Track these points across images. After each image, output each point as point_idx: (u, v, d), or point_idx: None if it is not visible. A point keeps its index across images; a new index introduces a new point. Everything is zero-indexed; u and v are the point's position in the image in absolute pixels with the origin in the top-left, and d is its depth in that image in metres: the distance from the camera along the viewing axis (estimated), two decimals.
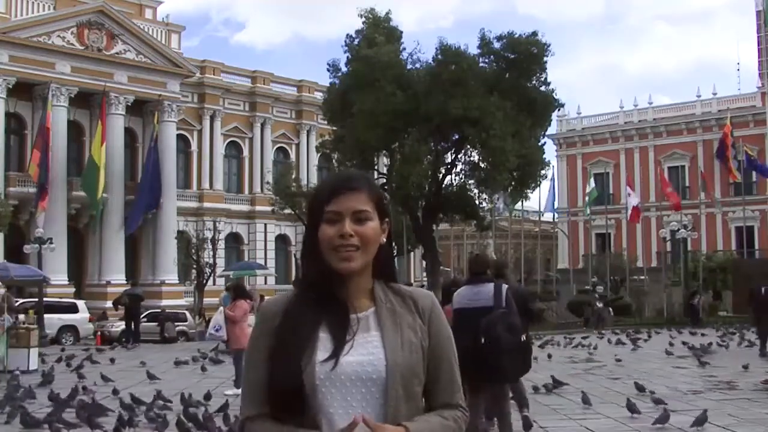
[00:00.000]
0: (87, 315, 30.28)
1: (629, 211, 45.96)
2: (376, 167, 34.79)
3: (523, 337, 7.33)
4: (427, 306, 2.02)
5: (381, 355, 1.89)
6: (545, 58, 31.48)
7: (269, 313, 1.99)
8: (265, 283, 43.93)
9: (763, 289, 17.09)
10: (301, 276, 2.04)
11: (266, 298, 14.64)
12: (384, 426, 1.83)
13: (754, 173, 49.81)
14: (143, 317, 29.52)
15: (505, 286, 7.36)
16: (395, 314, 1.96)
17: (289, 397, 1.86)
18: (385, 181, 32.21)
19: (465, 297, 7.37)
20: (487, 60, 31.96)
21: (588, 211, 48.72)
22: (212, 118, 48.79)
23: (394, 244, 2.15)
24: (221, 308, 14.69)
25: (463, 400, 2.02)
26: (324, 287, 1.95)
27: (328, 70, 32.86)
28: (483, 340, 6.80)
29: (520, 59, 31.11)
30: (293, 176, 43.72)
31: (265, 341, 1.95)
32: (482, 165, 31.93)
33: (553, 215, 55.04)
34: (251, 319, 15.08)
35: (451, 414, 1.97)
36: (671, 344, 21.59)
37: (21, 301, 25.91)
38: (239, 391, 12.38)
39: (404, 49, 32.46)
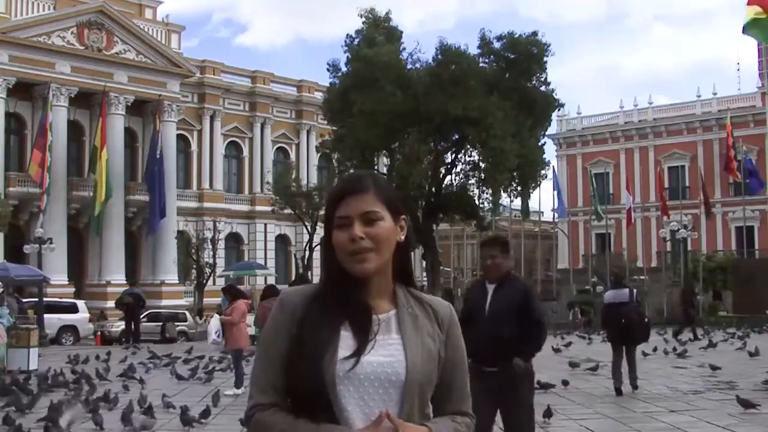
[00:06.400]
0: (87, 315, 30.29)
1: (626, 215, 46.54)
2: (376, 167, 34.79)
3: (646, 319, 12.83)
4: (446, 316, 2.02)
5: (401, 358, 1.89)
6: (545, 58, 31.52)
7: (290, 304, 1.97)
8: (265, 283, 43.86)
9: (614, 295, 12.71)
10: (320, 280, 2.02)
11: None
12: (407, 424, 1.84)
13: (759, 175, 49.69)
14: (143, 317, 29.52)
15: (635, 290, 13.07)
16: (416, 320, 1.96)
17: (309, 392, 1.86)
18: None
19: (612, 296, 12.68)
20: (487, 60, 31.98)
21: (601, 215, 48.40)
22: (212, 118, 48.80)
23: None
24: (216, 315, 14.67)
25: (471, 408, 2.05)
26: (345, 289, 1.94)
27: (328, 70, 32.91)
28: (623, 321, 12.01)
29: (520, 59, 31.14)
30: (293, 176, 43.75)
31: (283, 332, 1.94)
32: (482, 165, 31.95)
33: (554, 216, 55.08)
34: (249, 318, 15.09)
35: (462, 420, 1.99)
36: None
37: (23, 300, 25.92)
38: (239, 391, 12.42)
39: (404, 49, 32.51)
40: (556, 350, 20.84)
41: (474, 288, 6.57)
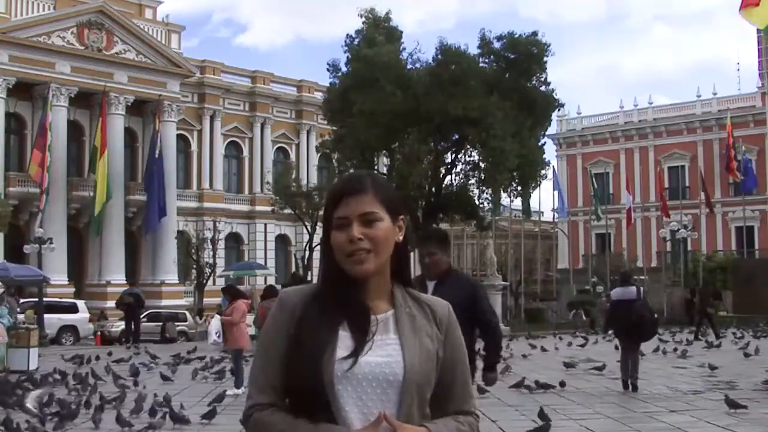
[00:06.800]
0: (87, 315, 30.27)
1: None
2: (376, 167, 34.78)
3: (655, 315, 13.36)
4: (444, 316, 2.02)
5: (399, 358, 1.89)
6: (545, 58, 31.51)
7: (289, 304, 1.97)
8: (265, 283, 43.87)
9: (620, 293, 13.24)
10: (319, 280, 2.02)
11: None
12: (406, 425, 1.84)
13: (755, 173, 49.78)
14: (143, 317, 29.52)
15: (642, 288, 13.42)
16: (414, 320, 1.96)
17: (308, 392, 1.87)
18: None
19: (619, 293, 13.10)
20: (487, 60, 31.97)
21: (600, 216, 48.60)
22: (212, 118, 48.79)
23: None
24: (217, 315, 14.69)
25: (476, 407, 2.04)
26: (343, 289, 1.94)
27: (328, 70, 32.91)
28: (634, 318, 12.36)
29: (520, 59, 31.13)
30: (293, 176, 43.75)
31: (282, 332, 1.94)
32: (482, 165, 31.95)
33: (554, 216, 55.13)
34: (249, 318, 15.09)
35: (465, 419, 1.98)
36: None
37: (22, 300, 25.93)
38: (239, 391, 12.41)
39: (404, 49, 32.51)
40: (544, 350, 20.85)
41: (414, 287, 5.91)
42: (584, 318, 36.38)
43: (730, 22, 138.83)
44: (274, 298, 13.05)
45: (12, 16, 39.59)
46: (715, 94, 55.08)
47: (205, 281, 40.28)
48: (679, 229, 40.06)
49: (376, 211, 1.93)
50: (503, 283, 33.03)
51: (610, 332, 14.16)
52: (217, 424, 9.72)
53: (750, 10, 11.79)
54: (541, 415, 9.24)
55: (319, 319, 1.91)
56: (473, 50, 31.43)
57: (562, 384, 12.89)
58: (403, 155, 31.44)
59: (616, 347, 18.57)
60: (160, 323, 30.96)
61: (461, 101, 28.69)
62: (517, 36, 31.33)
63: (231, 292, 14.31)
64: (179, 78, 45.03)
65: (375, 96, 29.41)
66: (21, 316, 22.15)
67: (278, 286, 23.19)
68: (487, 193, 33.56)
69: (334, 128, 33.78)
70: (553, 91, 32.12)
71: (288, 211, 40.58)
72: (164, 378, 14.36)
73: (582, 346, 22.49)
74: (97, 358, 18.40)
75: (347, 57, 31.94)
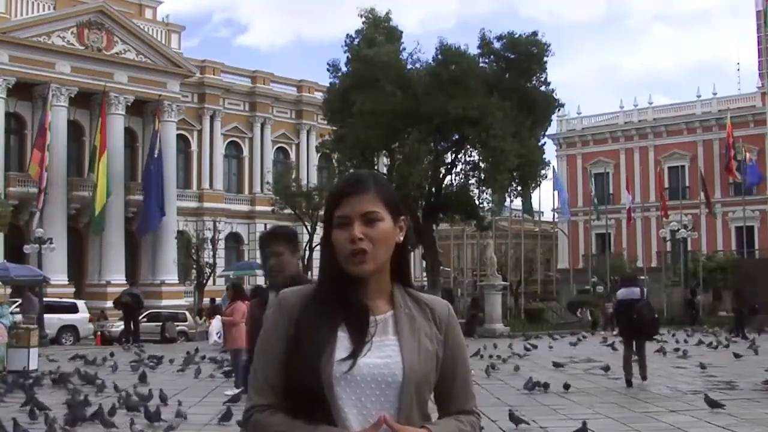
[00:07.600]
0: (87, 315, 30.26)
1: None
2: (376, 167, 34.77)
3: (656, 315, 14.01)
4: (444, 315, 2.01)
5: (398, 359, 1.88)
6: (545, 58, 31.54)
7: (288, 304, 1.96)
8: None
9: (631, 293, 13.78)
10: (318, 279, 2.01)
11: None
12: (406, 428, 1.83)
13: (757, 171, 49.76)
14: (143, 317, 29.50)
15: (645, 289, 14.15)
16: (414, 321, 1.95)
17: (307, 393, 1.86)
18: None
19: (624, 293, 13.78)
20: (487, 60, 32.00)
21: (596, 216, 48.89)
22: (212, 118, 48.79)
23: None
24: (218, 316, 14.68)
25: (477, 406, 2.04)
26: (342, 289, 1.93)
27: (328, 70, 32.93)
28: (635, 316, 13.02)
29: (520, 59, 31.15)
30: (293, 176, 43.74)
31: (281, 332, 1.93)
32: (482, 165, 31.96)
33: (554, 216, 55.13)
34: None
35: (467, 419, 1.98)
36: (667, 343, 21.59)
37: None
38: (239, 391, 12.39)
39: (404, 49, 32.54)
40: (529, 348, 20.70)
41: (257, 303, 5.29)
42: (589, 318, 36.42)
43: (730, 22, 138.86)
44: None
45: (12, 16, 39.58)
46: (715, 94, 55.04)
47: (205, 281, 40.27)
48: (679, 229, 40.05)
49: (378, 210, 1.92)
50: (503, 283, 33.01)
51: (614, 331, 14.95)
52: (216, 423, 9.71)
53: None
54: (512, 417, 9.16)
55: (318, 320, 1.91)
56: (473, 50, 31.49)
57: (567, 386, 12.73)
58: (403, 155, 31.44)
59: (614, 348, 18.62)
60: (160, 323, 30.92)
61: (461, 101, 28.70)
62: (517, 36, 31.35)
63: (235, 290, 14.30)
64: (179, 78, 45.03)
65: (375, 96, 29.43)
66: (19, 317, 22.05)
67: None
68: (487, 193, 33.60)
69: (334, 128, 33.78)
70: (553, 91, 32.17)
71: (288, 211, 40.57)
72: (141, 379, 14.02)
73: (612, 347, 21.15)
74: (104, 359, 18.24)
75: (347, 57, 31.96)
